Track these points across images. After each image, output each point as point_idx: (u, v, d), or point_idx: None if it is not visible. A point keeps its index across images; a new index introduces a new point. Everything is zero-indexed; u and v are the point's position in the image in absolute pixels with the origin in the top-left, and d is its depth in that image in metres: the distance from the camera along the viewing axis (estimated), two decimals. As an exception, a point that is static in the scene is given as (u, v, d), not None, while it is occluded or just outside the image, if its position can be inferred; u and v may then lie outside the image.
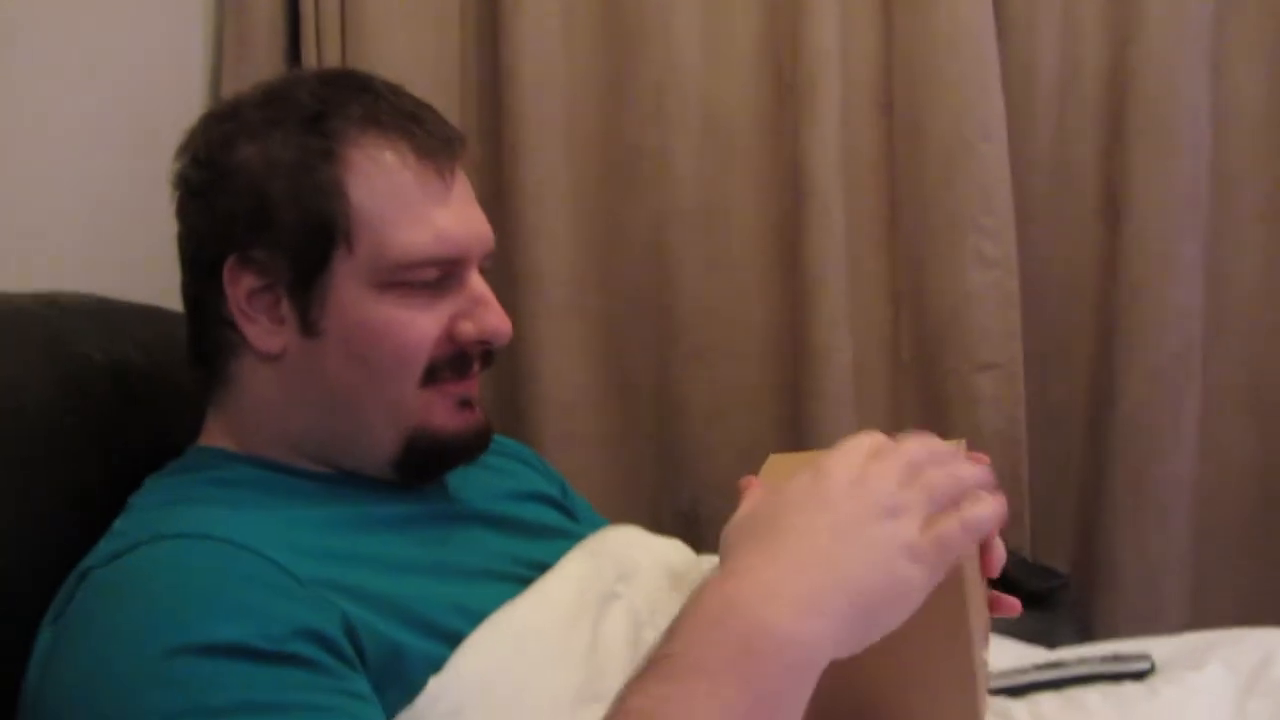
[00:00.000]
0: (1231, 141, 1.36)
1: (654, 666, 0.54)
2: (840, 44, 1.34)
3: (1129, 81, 1.35)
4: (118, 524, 0.68)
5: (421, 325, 0.72)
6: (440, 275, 0.73)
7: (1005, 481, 1.35)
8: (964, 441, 0.65)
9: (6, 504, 0.68)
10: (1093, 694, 0.88)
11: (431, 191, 0.72)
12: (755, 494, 0.61)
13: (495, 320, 0.75)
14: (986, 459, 0.63)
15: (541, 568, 0.76)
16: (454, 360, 0.74)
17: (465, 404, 0.76)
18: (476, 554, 0.75)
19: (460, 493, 0.81)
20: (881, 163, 1.39)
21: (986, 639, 0.65)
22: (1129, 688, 0.88)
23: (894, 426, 1.42)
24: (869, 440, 0.59)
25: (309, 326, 0.72)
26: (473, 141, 1.41)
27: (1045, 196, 1.39)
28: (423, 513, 0.76)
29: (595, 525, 0.89)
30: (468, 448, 0.77)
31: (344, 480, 0.75)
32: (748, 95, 1.39)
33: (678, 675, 0.53)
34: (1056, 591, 1.13)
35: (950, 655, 0.61)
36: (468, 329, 0.74)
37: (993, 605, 0.64)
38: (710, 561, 1.02)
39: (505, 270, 1.40)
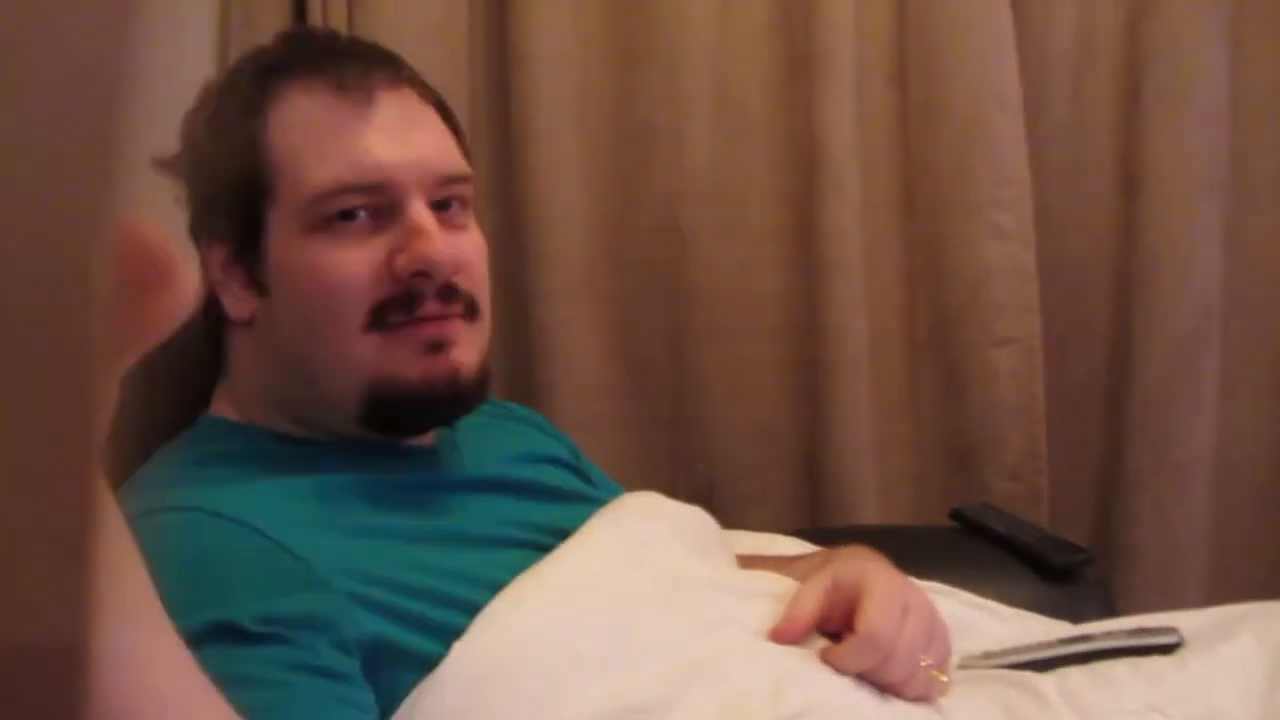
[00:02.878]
0: (1248, 110, 1.35)
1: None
2: (854, 17, 1.33)
3: (1145, 50, 1.33)
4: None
5: (349, 265, 0.68)
6: (371, 207, 0.69)
7: (1024, 458, 1.35)
8: None
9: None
10: (1120, 667, 0.86)
11: (345, 120, 0.70)
12: None
13: (426, 248, 0.68)
14: None
15: (560, 533, 0.74)
16: (401, 300, 0.69)
17: (435, 348, 0.71)
18: (487, 521, 0.74)
19: (468, 456, 0.79)
20: (896, 137, 1.38)
21: None
22: (1157, 661, 0.87)
23: (910, 403, 1.42)
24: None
25: (260, 287, 0.71)
26: (482, 121, 1.41)
27: (1062, 167, 1.37)
28: (429, 479, 0.75)
29: (613, 491, 0.88)
30: (435, 398, 0.71)
31: (343, 447, 0.73)
32: (761, 71, 1.37)
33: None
34: (1081, 566, 1.12)
35: None
36: (401, 261, 0.69)
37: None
38: (741, 539, 1.02)
39: (517, 252, 1.39)
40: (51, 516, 0.24)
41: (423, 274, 0.69)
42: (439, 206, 0.72)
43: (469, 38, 1.39)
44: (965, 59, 1.32)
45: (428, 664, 0.62)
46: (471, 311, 0.73)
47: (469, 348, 0.72)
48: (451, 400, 0.72)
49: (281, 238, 0.70)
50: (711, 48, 1.36)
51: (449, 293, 0.71)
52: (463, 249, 0.72)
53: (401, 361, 0.70)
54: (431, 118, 0.75)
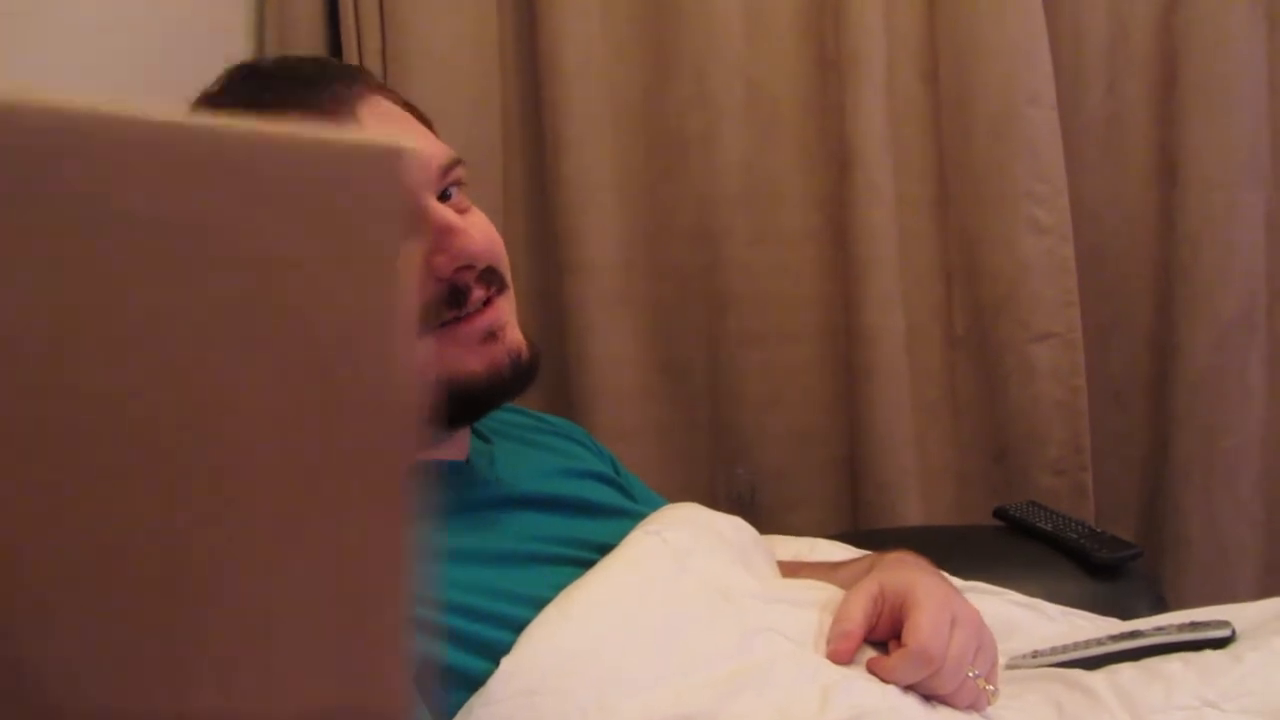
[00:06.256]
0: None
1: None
2: (883, 16, 1.32)
3: (1181, 40, 1.32)
4: None
5: None
6: None
7: (1068, 453, 1.34)
8: None
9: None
10: (1173, 662, 0.85)
11: None
12: None
13: (462, 242, 0.69)
14: None
15: (602, 548, 0.74)
16: (448, 298, 0.70)
17: (491, 336, 0.72)
18: (529, 538, 0.74)
19: (506, 473, 0.79)
20: (929, 134, 1.37)
21: None
22: (1210, 655, 0.86)
23: (950, 401, 1.41)
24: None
25: None
26: (515, 132, 1.42)
27: (1098, 160, 1.36)
28: (468, 498, 0.75)
29: (653, 503, 0.88)
30: (503, 382, 0.73)
31: None
32: (791, 73, 1.37)
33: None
34: (1129, 562, 1.11)
35: None
36: (441, 262, 0.69)
37: None
38: (781, 543, 1.02)
39: (552, 261, 1.40)
40: (400, 587, 0.28)
41: (466, 268, 0.71)
42: (442, 198, 0.73)
43: (500, 49, 1.40)
44: (997, 54, 1.31)
45: (475, 682, 0.62)
46: (502, 285, 0.74)
47: (513, 324, 0.74)
48: (515, 380, 0.74)
49: None
50: (740, 52, 1.36)
51: (489, 275, 0.73)
52: (486, 231, 0.73)
53: (462, 357, 0.71)
54: (405, 116, 0.75)
